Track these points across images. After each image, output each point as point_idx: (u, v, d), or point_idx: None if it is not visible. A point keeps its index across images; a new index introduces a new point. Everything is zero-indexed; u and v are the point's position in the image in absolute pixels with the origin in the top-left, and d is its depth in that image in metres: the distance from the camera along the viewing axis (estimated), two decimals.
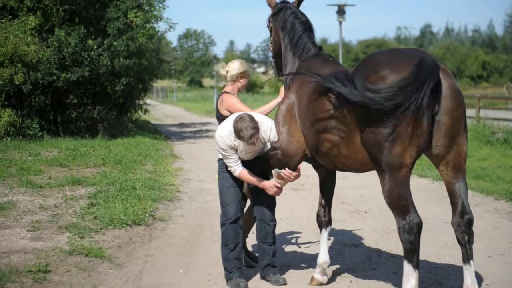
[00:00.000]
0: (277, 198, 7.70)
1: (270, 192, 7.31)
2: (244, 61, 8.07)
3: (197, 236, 9.85)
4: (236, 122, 6.96)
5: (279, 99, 7.63)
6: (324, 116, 6.50)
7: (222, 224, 7.45)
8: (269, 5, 7.88)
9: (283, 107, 7.27)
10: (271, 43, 7.98)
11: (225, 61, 8.43)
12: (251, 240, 8.53)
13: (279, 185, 7.28)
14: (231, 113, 7.60)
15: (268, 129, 7.19)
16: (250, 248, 8.57)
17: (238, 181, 7.47)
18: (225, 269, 7.43)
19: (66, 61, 21.78)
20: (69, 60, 21.76)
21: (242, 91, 8.15)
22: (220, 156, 7.46)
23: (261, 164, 7.44)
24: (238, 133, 6.92)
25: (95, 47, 22.38)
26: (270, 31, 7.94)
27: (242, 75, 7.87)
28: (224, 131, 7.18)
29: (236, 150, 7.25)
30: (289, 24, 7.56)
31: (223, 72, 7.89)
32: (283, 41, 7.67)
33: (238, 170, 7.29)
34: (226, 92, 7.85)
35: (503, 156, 18.74)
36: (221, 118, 7.67)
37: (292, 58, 7.56)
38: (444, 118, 5.89)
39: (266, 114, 7.65)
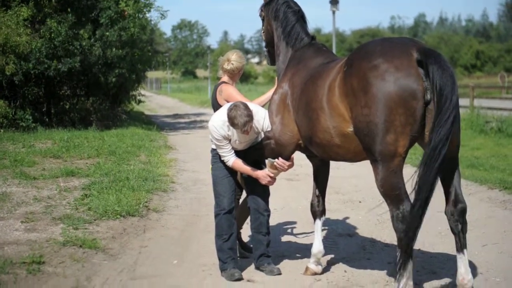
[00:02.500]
0: (271, 188, 7.70)
1: (264, 181, 7.30)
2: (239, 51, 8.09)
3: (191, 226, 9.84)
4: (230, 110, 6.95)
5: (271, 93, 7.65)
6: (317, 106, 6.50)
7: (216, 215, 7.45)
8: None
9: (276, 97, 7.27)
10: (263, 33, 7.98)
11: (219, 52, 8.44)
12: (246, 230, 8.53)
13: (272, 175, 7.27)
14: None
15: (262, 119, 7.19)
16: (245, 239, 8.58)
17: (232, 172, 7.47)
18: (219, 259, 7.43)
19: (58, 51, 21.69)
20: (61, 50, 21.68)
21: (237, 81, 8.16)
22: (214, 146, 7.45)
23: (254, 154, 7.44)
24: (232, 120, 6.90)
25: (87, 37, 22.30)
26: (263, 20, 7.94)
27: (242, 67, 7.95)
28: (218, 121, 7.17)
29: (230, 140, 7.24)
30: (281, 13, 7.56)
31: (227, 67, 7.86)
32: (275, 31, 7.68)
33: (232, 160, 7.28)
34: (224, 82, 7.87)
35: (497, 145, 18.78)
36: (218, 107, 7.65)
37: (285, 48, 7.58)
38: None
39: (263, 105, 7.66)
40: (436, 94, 5.75)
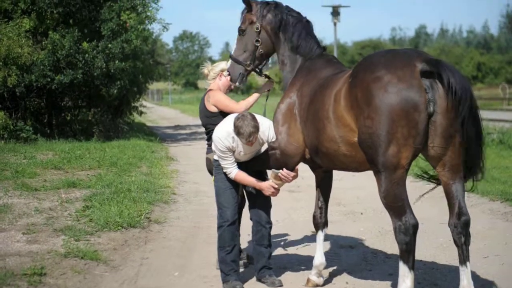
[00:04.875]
0: (273, 200, 7.69)
1: (268, 193, 7.28)
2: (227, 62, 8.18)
3: (192, 238, 9.83)
4: (237, 119, 6.95)
5: (257, 95, 7.82)
6: (323, 115, 6.50)
7: (219, 226, 7.39)
8: (250, 6, 7.55)
9: (283, 106, 7.23)
10: (260, 44, 7.55)
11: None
12: (245, 240, 8.52)
13: (276, 186, 7.24)
14: (218, 108, 7.78)
15: (267, 129, 7.17)
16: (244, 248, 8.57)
17: (235, 183, 7.43)
18: (221, 271, 7.39)
19: (61, 64, 21.75)
20: (63, 62, 21.73)
21: (227, 92, 8.16)
22: (216, 157, 7.43)
23: (257, 164, 7.43)
24: (238, 129, 6.90)
25: (90, 49, 22.35)
26: (258, 32, 7.53)
27: (222, 72, 8.00)
28: (222, 132, 7.16)
29: (234, 152, 7.22)
30: (288, 21, 7.45)
31: (206, 71, 8.12)
32: (281, 41, 7.50)
33: (234, 172, 7.25)
34: (211, 89, 8.00)
35: (498, 156, 18.75)
36: (208, 116, 7.83)
37: (294, 57, 7.45)
38: (440, 119, 5.89)
39: (250, 108, 7.74)
40: (454, 99, 5.81)
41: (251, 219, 7.64)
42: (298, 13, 7.59)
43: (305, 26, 7.49)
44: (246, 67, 7.60)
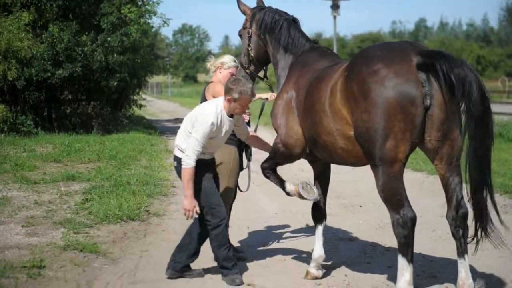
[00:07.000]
0: (273, 193, 7.71)
1: (182, 211, 7.13)
2: (230, 56, 8.35)
3: None
4: (232, 83, 7.02)
5: (263, 95, 8.04)
6: (320, 108, 6.51)
7: (217, 226, 7.25)
8: (244, 13, 7.98)
9: (281, 100, 7.30)
10: (251, 50, 7.84)
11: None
12: (242, 236, 8.53)
13: (193, 211, 7.06)
14: None
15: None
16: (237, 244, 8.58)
17: (216, 180, 7.45)
18: (225, 268, 7.33)
19: (60, 57, 21.75)
20: (63, 55, 21.74)
21: None
22: (180, 155, 7.18)
23: (266, 160, 7.52)
24: (239, 90, 6.94)
25: (89, 42, 22.35)
26: (249, 37, 7.87)
27: (222, 65, 8.15)
28: (212, 114, 7.03)
29: (215, 136, 7.13)
30: (274, 23, 7.60)
31: (208, 65, 8.29)
32: (270, 43, 7.71)
33: (192, 164, 6.96)
34: (212, 82, 8.17)
35: (497, 149, 18.68)
36: None
37: (284, 55, 7.58)
38: (437, 112, 5.88)
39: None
40: (459, 89, 5.74)
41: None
42: (285, 13, 7.73)
43: (291, 24, 7.65)
44: (245, 70, 7.96)
